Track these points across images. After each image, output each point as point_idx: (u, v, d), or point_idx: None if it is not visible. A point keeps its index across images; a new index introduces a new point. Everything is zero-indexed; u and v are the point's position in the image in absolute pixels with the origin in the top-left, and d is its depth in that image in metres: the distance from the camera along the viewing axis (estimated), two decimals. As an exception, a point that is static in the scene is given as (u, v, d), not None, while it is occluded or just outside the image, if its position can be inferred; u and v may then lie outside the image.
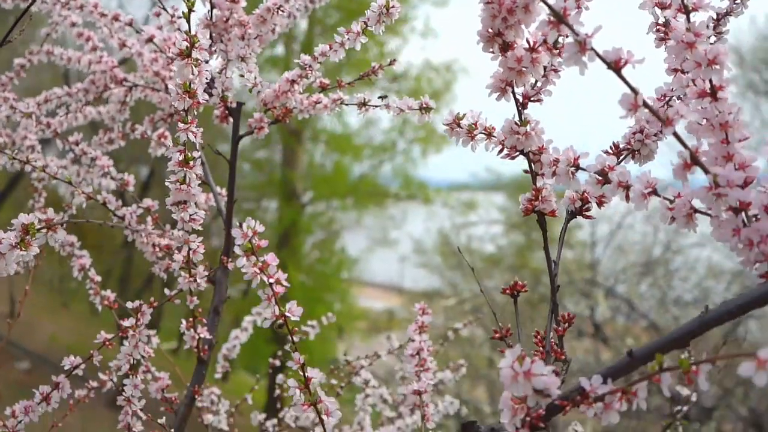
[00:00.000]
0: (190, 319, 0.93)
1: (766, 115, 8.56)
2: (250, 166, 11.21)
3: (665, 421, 1.05)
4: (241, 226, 0.59)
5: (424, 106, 0.81)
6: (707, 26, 0.70)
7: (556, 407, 0.52)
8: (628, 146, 0.66)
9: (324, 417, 0.62)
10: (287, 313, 0.61)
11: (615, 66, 0.49)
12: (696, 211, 0.53)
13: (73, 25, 1.15)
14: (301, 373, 0.62)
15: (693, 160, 0.50)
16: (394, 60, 0.97)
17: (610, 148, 0.66)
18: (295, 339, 0.64)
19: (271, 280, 0.60)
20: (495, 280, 8.16)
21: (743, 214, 0.50)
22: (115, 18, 1.06)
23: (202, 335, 0.94)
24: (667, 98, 0.67)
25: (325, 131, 12.04)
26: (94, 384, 1.09)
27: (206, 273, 0.88)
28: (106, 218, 1.01)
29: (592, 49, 0.49)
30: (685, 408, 1.07)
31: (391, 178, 12.05)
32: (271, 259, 0.60)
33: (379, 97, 0.90)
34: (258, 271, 0.59)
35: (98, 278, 1.07)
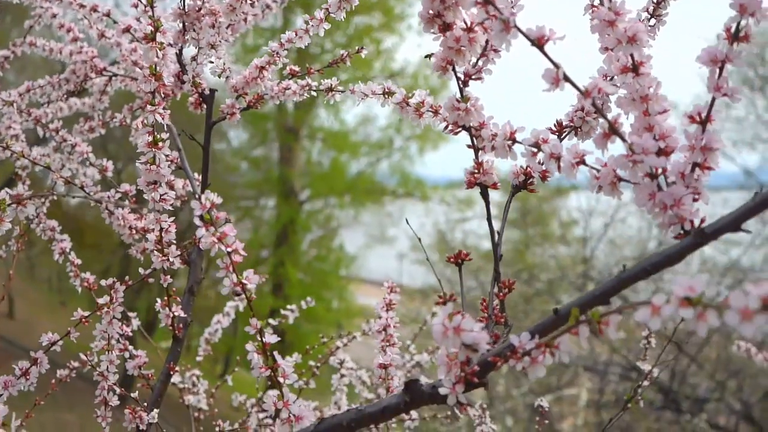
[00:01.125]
0: (165, 298, 0.96)
1: (761, 110, 8.59)
2: (247, 165, 11.26)
3: (627, 395, 1.08)
4: (200, 199, 0.62)
5: (387, 91, 0.85)
6: (646, 9, 0.74)
7: (489, 364, 0.56)
8: (571, 123, 0.69)
9: (281, 379, 0.66)
10: (244, 281, 0.65)
11: (538, 43, 0.53)
12: (620, 179, 0.57)
13: (54, 16, 1.18)
14: (259, 338, 0.66)
15: (612, 130, 0.54)
16: (362, 48, 1.00)
17: (554, 125, 0.70)
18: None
19: (229, 249, 0.63)
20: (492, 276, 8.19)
21: (658, 179, 0.53)
22: (94, 9, 1.10)
23: (176, 314, 0.97)
24: (608, 78, 0.71)
25: (322, 129, 12.08)
26: (75, 364, 1.13)
27: (179, 252, 0.91)
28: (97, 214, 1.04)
29: (516, 27, 0.52)
30: (646, 383, 1.11)
31: (388, 175, 12.08)
32: (229, 229, 0.64)
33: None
34: (216, 240, 0.63)
35: (78, 261, 1.10)
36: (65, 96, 1.19)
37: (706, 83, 0.55)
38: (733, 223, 0.49)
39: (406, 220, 1.06)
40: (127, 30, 1.05)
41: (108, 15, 1.11)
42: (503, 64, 0.70)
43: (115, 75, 1.18)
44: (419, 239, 0.96)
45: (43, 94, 1.18)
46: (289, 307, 1.38)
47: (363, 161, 12.14)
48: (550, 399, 5.56)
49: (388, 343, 0.93)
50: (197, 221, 0.63)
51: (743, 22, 0.53)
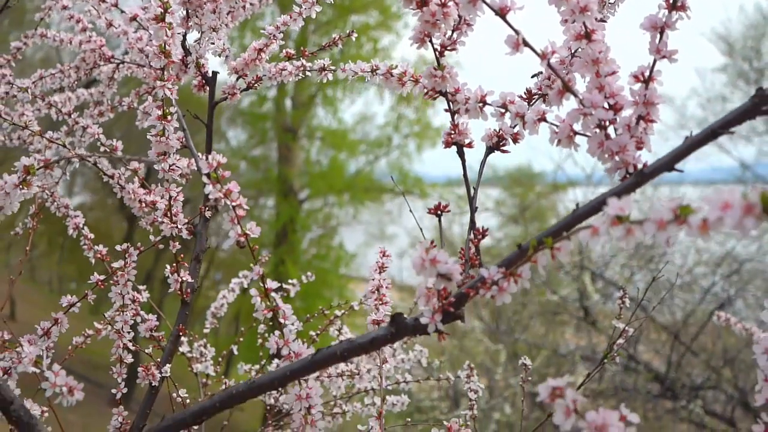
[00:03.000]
0: (174, 264, 1.04)
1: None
2: (246, 164, 11.33)
3: (604, 351, 1.16)
4: (206, 158, 0.70)
5: (374, 68, 0.92)
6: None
7: (464, 295, 0.64)
8: (539, 91, 0.77)
9: (282, 321, 0.74)
10: (248, 231, 0.72)
11: (501, 12, 0.61)
12: (575, 132, 0.65)
13: (65, 8, 1.26)
14: (261, 284, 0.74)
15: (565, 87, 0.62)
16: (353, 32, 1.08)
17: (524, 92, 0.78)
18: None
19: (234, 203, 0.71)
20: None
21: (607, 130, 0.61)
22: (102, 0, 1.18)
23: (185, 279, 1.05)
24: (572, 50, 0.79)
25: (320, 128, 12.15)
26: (90, 332, 1.20)
27: (186, 220, 0.99)
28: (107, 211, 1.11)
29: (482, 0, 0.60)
30: (621, 341, 1.19)
31: (386, 173, 12.15)
32: (233, 186, 0.72)
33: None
34: (223, 195, 0.71)
35: (91, 235, 1.18)
36: (75, 84, 1.27)
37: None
38: (668, 164, 0.57)
39: (410, 210, 1.09)
40: (134, 18, 1.13)
41: (116, 5, 1.18)
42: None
43: (122, 62, 1.26)
44: (420, 229, 1.01)
45: (54, 81, 1.26)
46: (290, 281, 1.46)
47: (361, 159, 12.22)
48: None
49: (380, 302, 1.01)
50: (205, 179, 0.71)
51: (680, -7, 0.61)
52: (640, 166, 0.61)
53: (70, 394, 0.66)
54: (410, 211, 1.09)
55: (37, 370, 0.72)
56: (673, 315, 6.92)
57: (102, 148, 1.18)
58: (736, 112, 0.55)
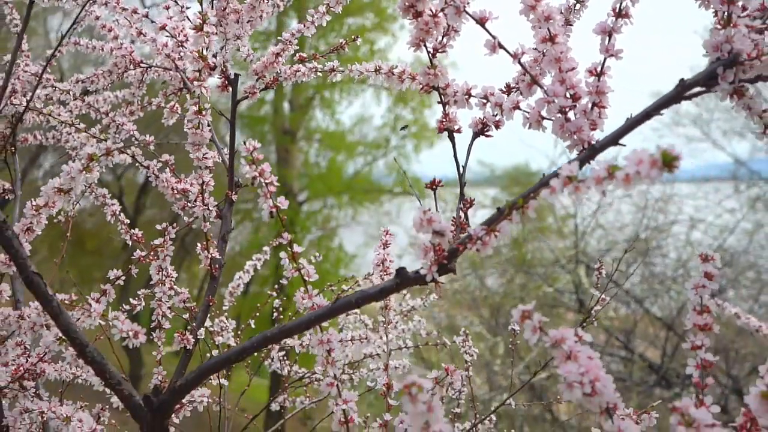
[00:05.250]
0: (204, 242, 1.19)
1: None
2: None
3: (582, 316, 1.32)
4: (244, 143, 0.86)
5: (377, 68, 1.08)
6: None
7: (455, 250, 0.79)
8: (517, 85, 0.92)
9: (306, 278, 0.89)
10: (278, 204, 0.88)
11: (481, 21, 0.76)
12: (543, 117, 0.80)
13: (98, 18, 1.42)
14: (290, 249, 0.89)
15: (533, 81, 0.77)
16: (357, 36, 1.24)
17: (504, 86, 0.93)
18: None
19: (267, 181, 0.87)
20: (490, 270, 8.46)
21: (566, 115, 0.77)
22: (134, 11, 1.33)
23: (214, 256, 1.20)
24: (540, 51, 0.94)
25: (318, 130, 12.30)
26: (127, 307, 1.35)
27: (216, 203, 1.15)
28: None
29: (465, 11, 0.76)
30: (598, 308, 1.34)
31: (385, 174, 12.29)
32: (266, 167, 0.87)
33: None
34: (257, 174, 0.86)
35: (128, 221, 1.33)
36: (108, 86, 1.42)
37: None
38: (613, 140, 0.73)
39: (419, 200, 1.22)
40: (163, 28, 1.29)
41: (146, 16, 1.34)
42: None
43: (150, 66, 1.41)
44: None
45: (92, 83, 1.41)
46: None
47: (359, 161, 12.37)
48: (544, 377, 5.77)
49: (385, 273, 1.17)
50: (243, 160, 0.86)
51: (624, 3, 0.77)
52: (593, 143, 0.76)
53: (135, 338, 0.82)
54: (418, 200, 1.25)
55: (103, 323, 0.87)
56: (670, 309, 7.08)
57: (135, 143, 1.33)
58: (664, 98, 0.70)
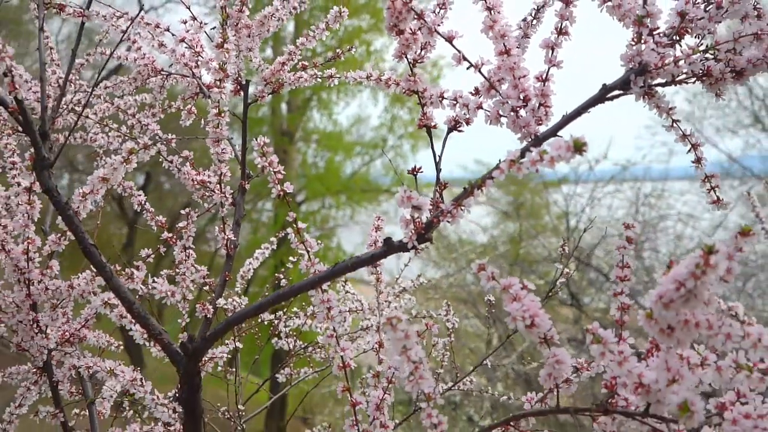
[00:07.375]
0: (221, 225, 1.39)
1: (742, 97, 9.06)
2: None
3: (549, 288, 1.51)
4: (256, 138, 1.05)
5: (369, 75, 1.27)
6: (530, 14, 1.17)
7: (431, 222, 0.98)
8: (480, 89, 1.12)
9: (308, 249, 1.08)
10: (285, 188, 1.07)
11: (449, 38, 0.95)
12: (500, 115, 0.99)
13: (123, 32, 1.61)
14: (295, 225, 1.09)
15: (491, 86, 0.97)
16: (351, 47, 1.43)
17: (473, 89, 1.13)
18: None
19: (275, 170, 1.06)
20: (488, 268, 8.64)
21: (518, 113, 0.96)
22: (157, 26, 1.52)
23: (229, 236, 1.40)
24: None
25: (316, 131, 12.48)
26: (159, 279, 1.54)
27: (232, 191, 1.34)
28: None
29: (436, 31, 0.95)
30: (562, 279, 1.53)
31: (382, 174, 12.47)
32: (275, 158, 1.07)
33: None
34: (267, 165, 1.06)
35: (152, 209, 1.53)
36: (134, 91, 1.61)
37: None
38: (553, 132, 0.92)
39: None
40: (182, 40, 1.48)
41: (167, 29, 1.53)
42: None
43: (170, 74, 1.60)
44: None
45: (119, 89, 1.60)
46: (292, 259, 1.81)
47: (357, 161, 12.55)
48: (535, 366, 5.96)
49: (376, 250, 1.36)
50: (255, 153, 1.06)
51: (564, 23, 0.96)
52: (538, 134, 0.95)
53: (172, 297, 1.01)
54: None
55: (145, 289, 1.07)
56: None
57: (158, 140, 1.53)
58: (590, 100, 0.90)
